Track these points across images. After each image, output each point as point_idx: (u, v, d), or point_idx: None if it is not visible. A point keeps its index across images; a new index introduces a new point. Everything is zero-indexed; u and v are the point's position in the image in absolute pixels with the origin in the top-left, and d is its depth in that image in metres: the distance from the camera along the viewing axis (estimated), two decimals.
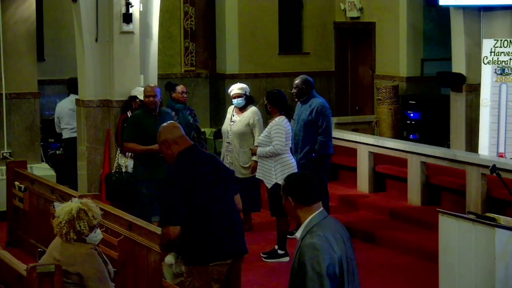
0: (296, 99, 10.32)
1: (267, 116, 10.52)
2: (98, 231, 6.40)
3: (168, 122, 6.50)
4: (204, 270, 5.97)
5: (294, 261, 4.57)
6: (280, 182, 9.44)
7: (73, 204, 6.34)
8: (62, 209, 6.32)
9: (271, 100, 9.62)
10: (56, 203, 9.06)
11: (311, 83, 10.22)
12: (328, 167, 10.31)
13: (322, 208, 4.68)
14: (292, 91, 10.25)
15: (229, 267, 6.06)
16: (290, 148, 9.75)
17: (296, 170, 9.57)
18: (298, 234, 4.63)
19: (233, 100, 10.52)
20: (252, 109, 10.54)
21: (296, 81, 10.24)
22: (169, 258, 6.13)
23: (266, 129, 9.69)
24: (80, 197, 8.37)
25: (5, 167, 10.87)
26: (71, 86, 12.10)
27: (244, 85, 10.64)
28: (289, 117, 9.69)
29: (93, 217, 6.28)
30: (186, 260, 6.03)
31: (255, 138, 10.35)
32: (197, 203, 5.93)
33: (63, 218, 6.23)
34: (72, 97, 11.81)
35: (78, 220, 6.21)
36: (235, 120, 10.52)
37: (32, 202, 9.93)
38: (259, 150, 9.55)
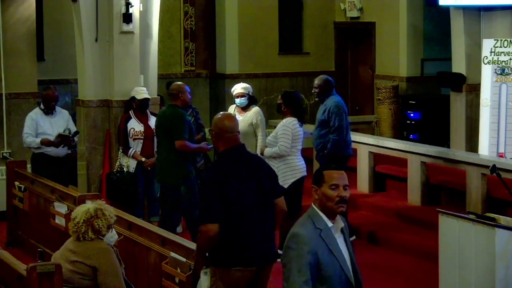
0: (316, 99, 10.32)
1: (270, 116, 10.51)
2: (114, 231, 6.43)
3: (223, 113, 6.46)
4: (227, 273, 5.90)
5: None
6: (283, 183, 9.36)
7: (89, 205, 6.38)
8: (78, 211, 6.35)
9: (287, 101, 9.51)
10: (56, 203, 9.09)
11: (329, 83, 10.11)
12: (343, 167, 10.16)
13: None
14: (313, 91, 10.24)
15: (255, 274, 5.97)
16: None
17: (304, 173, 9.52)
18: None
19: (236, 99, 10.51)
20: (255, 109, 10.53)
21: (316, 81, 10.20)
22: (204, 277, 6.07)
23: (275, 129, 9.65)
24: (80, 197, 8.41)
25: (5, 167, 10.87)
26: None
27: (247, 85, 10.64)
28: (302, 120, 9.59)
29: (110, 216, 6.35)
30: (211, 260, 5.99)
31: (257, 138, 10.34)
32: (231, 205, 5.86)
33: (80, 218, 6.26)
34: None
35: (96, 218, 6.26)
36: (238, 119, 10.47)
37: (32, 202, 9.93)
38: (267, 150, 9.51)
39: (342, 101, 10.18)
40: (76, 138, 10.70)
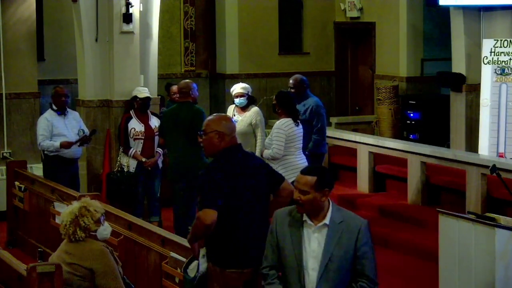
0: None
1: (269, 116, 10.50)
2: (106, 224, 6.41)
3: (220, 114, 6.39)
4: (221, 273, 5.90)
5: None
6: None
7: (73, 205, 6.38)
8: (64, 213, 6.37)
9: (281, 102, 9.48)
10: (56, 203, 9.09)
11: (304, 83, 10.28)
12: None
13: None
14: (288, 91, 10.25)
15: (252, 275, 5.92)
16: (303, 149, 9.63)
17: None
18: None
19: (235, 99, 10.50)
20: (254, 109, 10.52)
21: (291, 81, 10.32)
22: (203, 251, 6.06)
23: (271, 131, 9.63)
24: (80, 197, 8.41)
25: (5, 167, 10.87)
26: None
27: (246, 85, 10.64)
28: (296, 119, 9.55)
29: (95, 211, 6.31)
30: (209, 258, 5.98)
31: (257, 138, 10.33)
32: (230, 205, 5.83)
33: (67, 220, 6.26)
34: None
35: (81, 217, 6.25)
36: (237, 119, 10.49)
37: (32, 202, 9.93)
38: (265, 152, 9.51)
39: (320, 101, 10.36)
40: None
